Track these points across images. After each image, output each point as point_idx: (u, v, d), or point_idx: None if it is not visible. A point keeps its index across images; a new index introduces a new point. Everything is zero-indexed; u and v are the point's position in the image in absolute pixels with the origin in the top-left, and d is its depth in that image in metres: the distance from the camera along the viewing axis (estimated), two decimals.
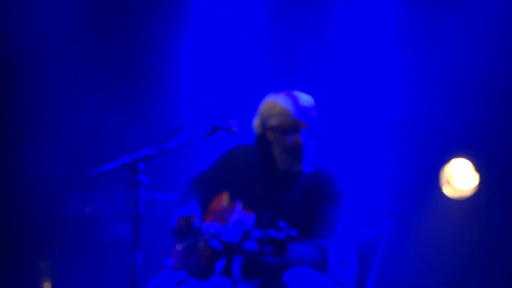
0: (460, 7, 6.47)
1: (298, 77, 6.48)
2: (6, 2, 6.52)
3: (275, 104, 3.77)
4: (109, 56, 6.72)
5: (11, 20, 6.53)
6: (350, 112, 6.64)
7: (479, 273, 6.49)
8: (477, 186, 6.44)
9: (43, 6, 6.55)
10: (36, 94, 6.60)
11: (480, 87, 6.49)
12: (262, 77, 6.64)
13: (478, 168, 6.47)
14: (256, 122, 3.84)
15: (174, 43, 6.81)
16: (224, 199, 3.90)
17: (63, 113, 6.65)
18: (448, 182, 6.51)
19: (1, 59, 6.58)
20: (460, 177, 6.49)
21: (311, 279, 3.54)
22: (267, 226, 3.68)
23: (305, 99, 3.78)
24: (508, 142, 6.46)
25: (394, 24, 6.64)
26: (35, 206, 6.52)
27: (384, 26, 6.66)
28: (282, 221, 3.31)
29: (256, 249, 3.33)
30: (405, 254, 6.48)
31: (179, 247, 3.93)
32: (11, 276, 6.49)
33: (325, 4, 6.77)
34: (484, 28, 6.45)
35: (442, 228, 6.54)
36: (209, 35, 6.80)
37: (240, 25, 6.81)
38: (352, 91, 6.63)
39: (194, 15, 6.82)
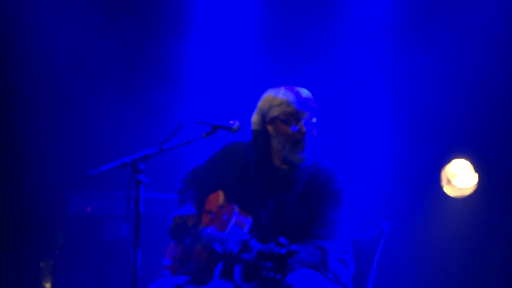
0: (460, 7, 6.48)
1: (299, 75, 6.50)
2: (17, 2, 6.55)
3: (275, 96, 3.80)
4: (111, 58, 6.73)
5: (18, 17, 6.55)
6: (350, 112, 6.65)
7: (479, 271, 6.50)
8: (476, 185, 6.46)
9: (53, 6, 6.57)
10: (38, 96, 6.61)
11: (480, 90, 6.51)
12: (264, 76, 6.65)
13: (477, 168, 6.48)
14: (255, 117, 3.86)
15: (176, 44, 6.82)
16: (219, 198, 3.89)
17: (65, 114, 6.66)
18: (449, 182, 6.52)
19: (6, 59, 6.59)
20: (460, 177, 6.50)
21: (314, 281, 3.53)
22: (265, 226, 3.69)
23: (304, 91, 3.82)
24: (506, 143, 6.47)
25: (393, 24, 6.65)
26: (36, 206, 6.53)
27: (383, 27, 6.66)
28: (282, 237, 3.29)
29: (255, 262, 3.31)
30: (406, 253, 6.49)
31: (173, 246, 3.92)
32: (12, 275, 6.51)
33: (326, 3, 6.78)
34: (484, 29, 6.45)
35: (442, 227, 6.56)
36: (211, 35, 6.81)
37: (240, 24, 6.81)
38: (353, 91, 6.64)
39: (196, 15, 6.83)
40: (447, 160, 6.57)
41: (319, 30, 6.76)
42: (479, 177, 6.47)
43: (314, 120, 3.78)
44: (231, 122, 3.69)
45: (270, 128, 3.81)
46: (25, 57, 6.56)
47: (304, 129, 3.74)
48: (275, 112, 3.77)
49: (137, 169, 3.43)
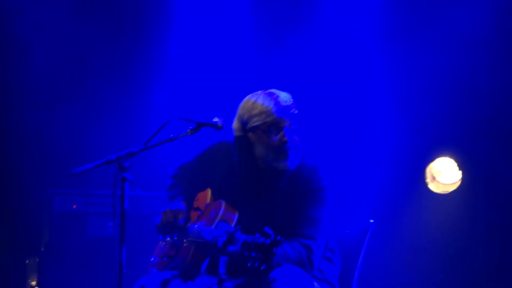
0: (447, 6, 6.50)
1: (285, 75, 6.50)
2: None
3: (255, 104, 3.74)
4: (97, 58, 6.72)
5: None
6: (335, 111, 6.66)
7: (463, 266, 6.54)
8: (460, 182, 6.50)
9: (38, 5, 6.55)
10: (22, 96, 6.58)
11: (465, 89, 6.54)
12: (250, 75, 6.65)
13: (461, 166, 6.52)
14: (236, 124, 3.81)
15: (162, 42, 6.81)
16: (207, 196, 3.91)
17: (49, 113, 6.65)
18: (433, 179, 6.56)
19: None
20: (444, 174, 6.54)
21: (296, 276, 3.53)
22: (251, 224, 3.68)
23: (284, 96, 3.76)
24: (489, 141, 6.52)
25: (381, 24, 6.67)
26: (21, 203, 6.52)
27: (370, 25, 6.68)
28: (267, 227, 3.27)
29: (241, 252, 3.30)
30: (391, 249, 6.52)
31: (162, 243, 3.93)
32: None
33: (316, 1, 6.80)
34: (470, 29, 6.48)
35: (427, 223, 6.59)
36: (196, 34, 6.81)
37: (226, 23, 6.81)
38: (339, 90, 6.65)
39: (180, 14, 6.82)
40: (431, 158, 6.60)
41: (307, 28, 6.77)
42: (463, 174, 6.52)
43: (295, 123, 3.73)
44: (215, 119, 3.70)
45: (251, 135, 3.77)
46: (7, 55, 6.54)
47: (285, 138, 3.70)
48: (255, 122, 3.72)
49: (122, 167, 3.42)
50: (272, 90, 3.79)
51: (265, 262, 3.24)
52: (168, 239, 3.87)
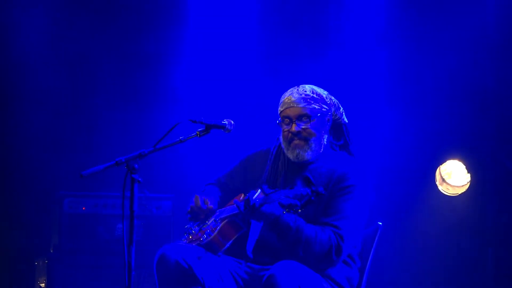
0: (456, 8, 6.49)
1: (294, 77, 6.50)
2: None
3: (282, 96, 3.91)
4: (105, 59, 6.73)
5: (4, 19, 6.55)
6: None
7: (472, 268, 6.54)
8: (469, 184, 6.50)
9: (41, 5, 6.57)
10: (34, 98, 6.60)
11: (475, 92, 6.54)
12: (258, 77, 6.66)
13: (470, 168, 6.52)
14: None
15: (170, 44, 6.82)
16: (241, 197, 3.92)
17: (59, 115, 6.67)
18: (443, 181, 6.55)
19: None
20: (453, 176, 6.54)
21: (300, 273, 3.54)
22: None
23: (307, 89, 3.87)
24: (498, 144, 6.51)
25: (388, 25, 6.66)
26: (31, 205, 6.54)
27: (378, 28, 6.67)
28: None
29: (278, 204, 3.44)
30: (400, 250, 6.52)
31: (188, 230, 3.95)
32: (8, 274, 6.52)
33: (319, 4, 6.79)
34: (477, 31, 6.48)
35: (436, 224, 6.59)
36: (205, 36, 6.81)
37: (235, 25, 6.81)
38: (347, 91, 6.64)
39: (191, 16, 6.82)
40: (441, 160, 6.59)
41: (313, 29, 6.77)
42: (472, 177, 6.51)
43: (311, 116, 3.81)
44: (224, 121, 3.72)
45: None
46: (17, 59, 6.55)
47: (294, 128, 3.81)
48: (279, 112, 3.89)
49: (132, 168, 3.43)
50: (304, 85, 3.91)
51: (302, 208, 3.39)
52: (196, 226, 3.89)
